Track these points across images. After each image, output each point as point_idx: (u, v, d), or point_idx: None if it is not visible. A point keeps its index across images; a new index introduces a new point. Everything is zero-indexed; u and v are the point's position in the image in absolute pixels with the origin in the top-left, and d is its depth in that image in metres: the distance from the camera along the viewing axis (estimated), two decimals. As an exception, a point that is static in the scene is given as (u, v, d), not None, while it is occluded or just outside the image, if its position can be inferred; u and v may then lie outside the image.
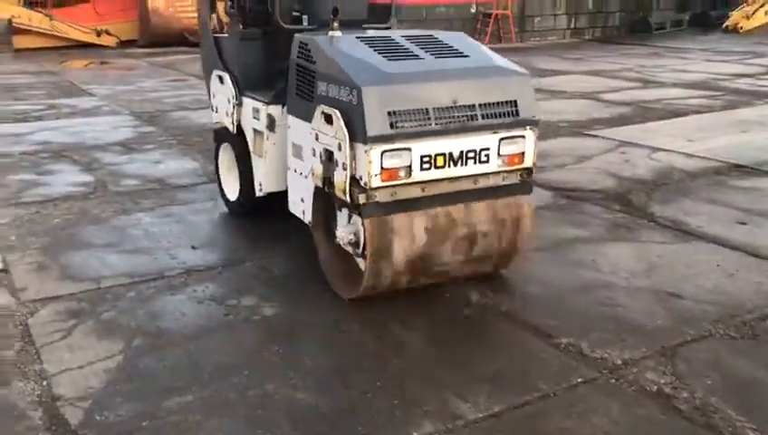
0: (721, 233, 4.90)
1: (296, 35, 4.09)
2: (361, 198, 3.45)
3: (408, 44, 3.84)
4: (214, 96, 5.18)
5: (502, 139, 3.67)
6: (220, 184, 5.36)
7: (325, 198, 3.85)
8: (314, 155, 3.72)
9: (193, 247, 4.67)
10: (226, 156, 5.17)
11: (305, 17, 4.59)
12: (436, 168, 3.53)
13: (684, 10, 20.28)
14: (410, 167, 3.46)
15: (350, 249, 3.71)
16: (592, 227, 5.09)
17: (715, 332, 3.58)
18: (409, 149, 3.44)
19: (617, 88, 11.05)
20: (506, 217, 3.82)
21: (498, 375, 3.20)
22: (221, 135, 5.19)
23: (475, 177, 3.67)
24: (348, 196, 3.48)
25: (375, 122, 3.37)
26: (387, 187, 3.46)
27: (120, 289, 4.06)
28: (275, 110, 4.38)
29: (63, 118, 9.00)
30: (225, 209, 5.31)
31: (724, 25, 18.86)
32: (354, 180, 3.45)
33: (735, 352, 3.40)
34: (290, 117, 4.12)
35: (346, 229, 3.69)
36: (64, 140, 7.77)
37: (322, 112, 3.60)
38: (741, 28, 18.48)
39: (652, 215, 5.31)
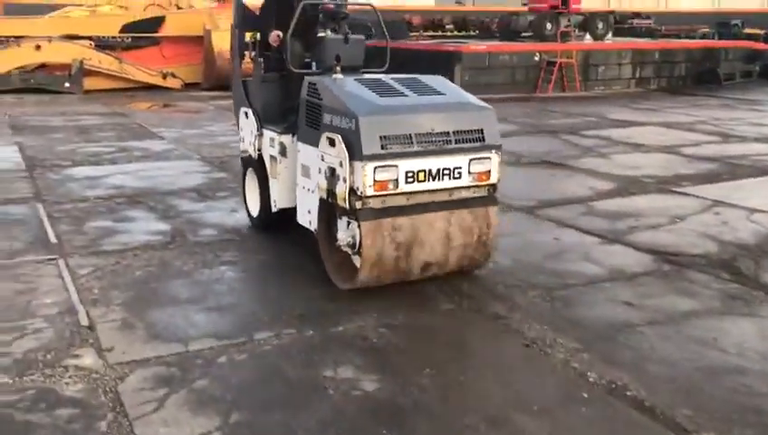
0: None
1: (306, 77, 5.00)
2: (358, 205, 4.29)
3: (396, 85, 4.74)
4: (241, 129, 6.04)
5: (471, 159, 4.55)
6: (245, 202, 6.21)
7: (328, 209, 4.67)
8: (320, 172, 4.57)
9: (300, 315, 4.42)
10: (251, 179, 6.02)
11: (314, 63, 5.41)
12: (419, 181, 4.40)
13: (753, 61, 19.75)
14: (397, 180, 4.33)
15: (348, 250, 4.50)
16: (704, 298, 4.71)
17: None
18: (396, 166, 4.31)
19: (696, 142, 10.64)
20: (476, 222, 4.64)
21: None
22: (247, 161, 6.07)
23: (450, 190, 4.54)
24: (347, 203, 4.32)
25: (369, 144, 4.23)
26: (378, 196, 4.31)
27: (209, 353, 3.83)
28: (286, 138, 5.27)
29: (135, 161, 8.99)
30: (315, 268, 5.10)
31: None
32: (352, 191, 4.29)
33: None
34: (300, 144, 5.02)
35: (345, 233, 4.48)
36: (138, 184, 7.71)
37: (327, 137, 4.47)
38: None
39: (767, 287, 4.91)
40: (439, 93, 4.77)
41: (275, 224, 5.74)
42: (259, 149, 5.66)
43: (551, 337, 4.07)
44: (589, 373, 3.66)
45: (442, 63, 15.16)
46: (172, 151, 9.72)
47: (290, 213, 5.35)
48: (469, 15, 27.44)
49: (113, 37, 17.28)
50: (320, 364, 3.73)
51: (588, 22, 19.70)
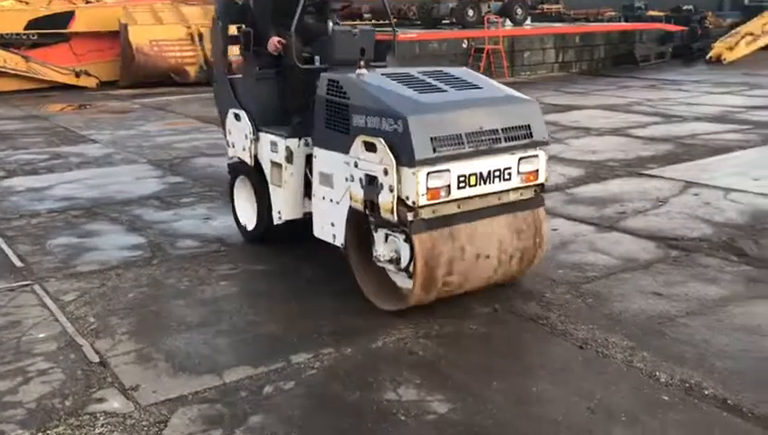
0: None
1: (322, 74, 4.46)
2: (410, 216, 3.82)
3: (429, 79, 4.31)
4: (230, 133, 5.45)
5: (520, 158, 4.17)
6: (235, 214, 5.62)
7: (359, 221, 4.17)
8: (349, 181, 4.11)
9: (302, 319, 4.09)
10: (243, 187, 5.49)
11: (316, 58, 4.93)
12: (470, 186, 3.99)
13: (665, 42, 20.47)
14: (449, 186, 3.89)
15: (390, 266, 4.05)
16: (726, 283, 4.68)
17: None
18: (449, 171, 3.88)
19: (641, 123, 10.83)
20: (527, 227, 4.27)
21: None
22: (237, 168, 5.51)
23: (499, 193, 4.14)
24: (395, 215, 3.84)
25: (421, 148, 3.78)
26: (430, 205, 3.86)
27: (250, 383, 3.45)
28: (293, 143, 4.79)
29: (76, 168, 8.29)
30: (324, 277, 4.74)
31: (707, 57, 19.08)
32: (401, 201, 3.81)
33: None
34: (316, 149, 4.48)
35: (386, 248, 4.04)
36: (90, 194, 7.09)
37: (363, 142, 3.98)
38: (724, 59, 18.70)
39: (779, 266, 4.94)
40: (477, 87, 4.36)
41: (274, 237, 5.23)
42: (255, 155, 5.12)
43: (601, 337, 3.91)
44: (657, 373, 3.51)
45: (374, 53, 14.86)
46: (113, 156, 9.04)
47: (294, 224, 4.93)
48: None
49: (17, 34, 16.06)
50: (377, 386, 3.42)
51: (506, 8, 19.87)
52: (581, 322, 4.10)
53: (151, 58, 15.95)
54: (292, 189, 4.85)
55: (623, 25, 21.20)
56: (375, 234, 4.11)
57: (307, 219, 4.78)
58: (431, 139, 3.81)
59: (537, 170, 4.26)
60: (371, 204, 3.97)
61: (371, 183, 3.94)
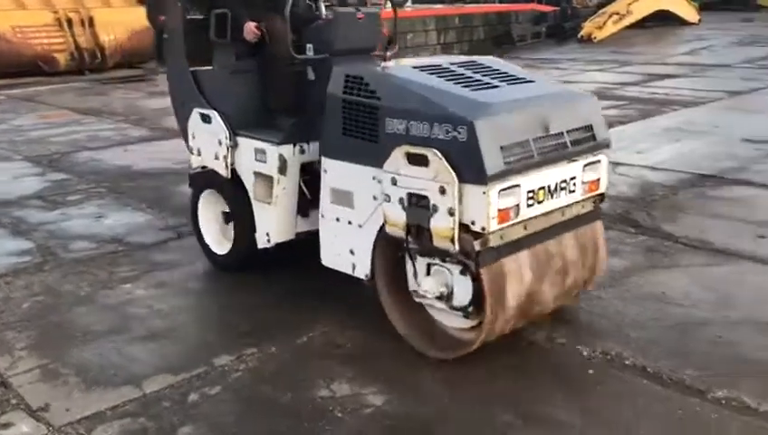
0: (752, 249, 4.88)
1: (336, 68, 3.69)
2: (476, 245, 3.12)
3: (468, 72, 3.61)
4: (194, 137, 4.59)
5: (585, 165, 3.56)
6: (201, 237, 4.73)
7: (392, 248, 3.50)
8: (387, 201, 3.35)
9: (223, 323, 3.92)
10: (212, 204, 4.64)
11: (309, 47, 4.08)
12: (538, 202, 3.34)
13: (539, 22, 21.20)
14: (518, 205, 3.23)
15: (438, 304, 3.38)
16: (627, 254, 4.89)
17: None
18: (519, 186, 3.21)
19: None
20: (588, 244, 3.73)
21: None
22: (203, 181, 4.62)
23: (563, 208, 3.53)
24: (456, 244, 3.13)
25: (492, 159, 3.07)
26: (499, 229, 3.18)
27: (173, 392, 3.27)
28: (287, 150, 4.04)
29: (-59, 168, 7.58)
30: (228, 273, 4.56)
31: (579, 36, 19.93)
32: (463, 226, 3.12)
33: None
34: (326, 160, 3.73)
35: (433, 282, 3.36)
36: (-39, 196, 6.49)
37: (407, 153, 3.24)
38: (594, 38, 19.60)
39: (672, 235, 5.20)
40: (529, 81, 3.69)
41: (257, 263, 4.43)
42: (233, 165, 4.31)
43: (521, 315, 3.98)
44: (579, 347, 3.61)
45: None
46: (-18, 153, 8.34)
47: (280, 245, 4.22)
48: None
49: None
50: (308, 384, 3.32)
51: (387, -11, 19.91)
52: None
53: (15, 45, 14.79)
54: (285, 206, 4.10)
55: (499, 6, 21.72)
56: (414, 263, 3.43)
57: (299, 240, 4.21)
58: (500, 148, 3.11)
59: (599, 179, 3.66)
60: (417, 229, 3.27)
61: (419, 204, 3.22)
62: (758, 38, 18.50)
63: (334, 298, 4.11)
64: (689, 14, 22.56)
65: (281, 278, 4.43)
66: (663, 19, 21.85)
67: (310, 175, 4.09)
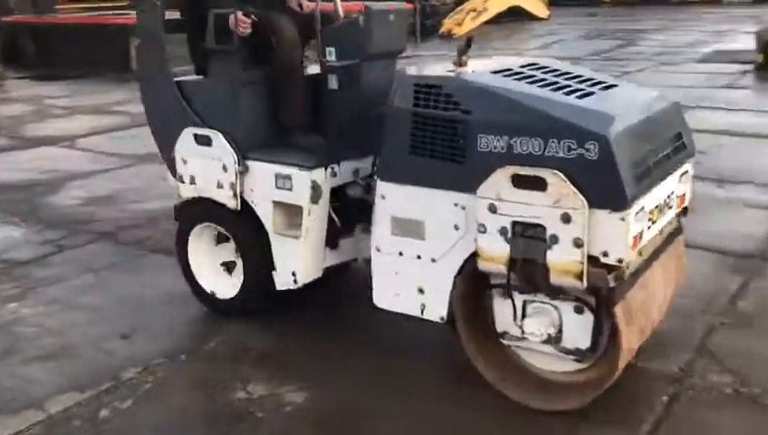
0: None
1: (399, 75, 3.23)
2: (610, 281, 2.68)
3: (551, 77, 3.16)
4: (184, 162, 3.85)
5: (680, 177, 3.26)
6: (194, 280, 3.98)
7: (475, 285, 3.06)
8: (483, 231, 2.87)
9: (124, 337, 3.79)
10: (207, 240, 3.97)
11: (329, 50, 3.57)
12: (653, 223, 2.98)
13: (401, 20, 21.66)
14: (643, 230, 2.83)
15: (546, 348, 2.96)
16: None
17: None
18: (644, 208, 2.83)
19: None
20: (676, 260, 3.43)
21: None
22: (197, 213, 3.91)
23: (664, 227, 3.20)
24: (584, 280, 2.70)
25: (629, 179, 2.66)
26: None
27: (81, 410, 3.14)
28: (320, 175, 3.49)
29: None
30: (117, 281, 4.42)
31: (440, 32, 20.57)
32: (593, 258, 2.71)
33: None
34: (384, 184, 3.18)
35: (537, 322, 2.92)
36: None
37: (513, 175, 2.77)
38: (454, 34, 20.29)
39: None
40: (612, 85, 3.27)
41: (273, 307, 3.88)
42: (241, 194, 3.67)
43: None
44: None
45: (108, 40, 13.91)
46: None
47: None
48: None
49: None
50: (223, 388, 3.29)
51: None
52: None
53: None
54: (316, 240, 3.57)
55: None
56: (513, 302, 2.98)
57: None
58: (632, 164, 2.72)
59: (686, 192, 3.35)
60: (524, 263, 2.83)
61: (529, 234, 2.80)
62: (603, 31, 19.85)
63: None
64: (539, 9, 23.83)
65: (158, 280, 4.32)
66: (515, 15, 22.98)
67: (339, 200, 3.65)
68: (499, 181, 2.81)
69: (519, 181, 2.77)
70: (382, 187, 3.20)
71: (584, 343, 2.87)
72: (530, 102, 2.83)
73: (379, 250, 3.26)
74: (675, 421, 2.96)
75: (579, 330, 2.87)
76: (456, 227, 3.01)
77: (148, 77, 4.02)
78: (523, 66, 3.23)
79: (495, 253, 2.87)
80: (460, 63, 3.07)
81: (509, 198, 2.80)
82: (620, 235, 2.67)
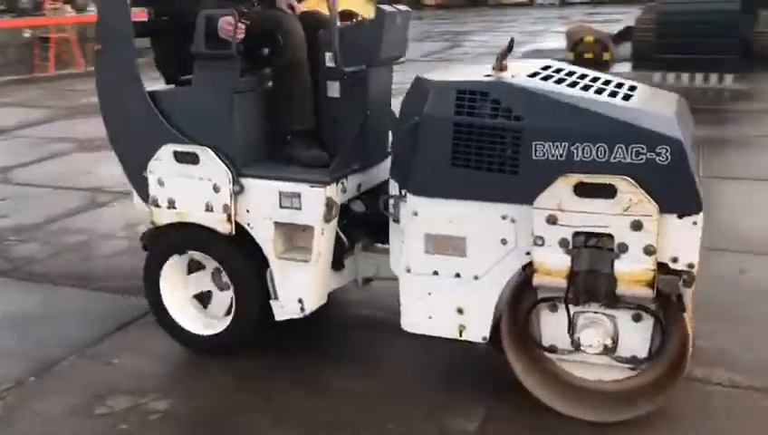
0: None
1: (433, 80, 2.97)
2: (681, 287, 2.66)
3: (583, 80, 3.02)
4: (160, 184, 3.39)
5: None
6: (168, 316, 3.56)
7: (523, 299, 2.93)
8: (540, 244, 2.73)
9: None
10: (182, 270, 3.56)
11: (328, 56, 3.32)
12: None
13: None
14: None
15: (601, 359, 2.86)
16: None
17: None
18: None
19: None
20: None
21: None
22: (177, 240, 3.48)
23: None
24: (654, 288, 2.64)
25: (700, 183, 2.65)
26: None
27: None
28: (333, 191, 3.19)
29: None
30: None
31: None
32: (663, 265, 2.66)
33: None
34: (418, 199, 2.93)
35: (595, 333, 2.82)
36: None
37: (577, 184, 2.66)
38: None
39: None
40: (634, 87, 3.15)
41: (259, 340, 3.52)
42: (235, 217, 3.27)
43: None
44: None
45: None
46: None
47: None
48: None
49: None
50: (81, 406, 3.17)
51: (66, -7, 18.58)
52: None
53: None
54: (325, 262, 3.28)
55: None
56: (568, 315, 2.84)
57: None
58: (695, 168, 2.68)
59: None
60: (587, 275, 2.73)
61: (594, 245, 2.72)
62: (429, 34, 20.74)
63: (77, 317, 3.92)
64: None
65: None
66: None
67: (346, 217, 3.41)
68: (560, 190, 2.67)
69: (583, 190, 2.66)
70: (415, 202, 2.94)
71: (642, 351, 2.82)
72: (590, 107, 2.72)
73: (409, 271, 3.01)
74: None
75: (636, 338, 2.82)
76: (504, 242, 2.84)
77: (111, 89, 3.47)
78: (548, 68, 3.07)
79: (555, 266, 2.74)
80: (500, 68, 2.90)
81: (571, 208, 2.68)
82: (692, 239, 2.64)
